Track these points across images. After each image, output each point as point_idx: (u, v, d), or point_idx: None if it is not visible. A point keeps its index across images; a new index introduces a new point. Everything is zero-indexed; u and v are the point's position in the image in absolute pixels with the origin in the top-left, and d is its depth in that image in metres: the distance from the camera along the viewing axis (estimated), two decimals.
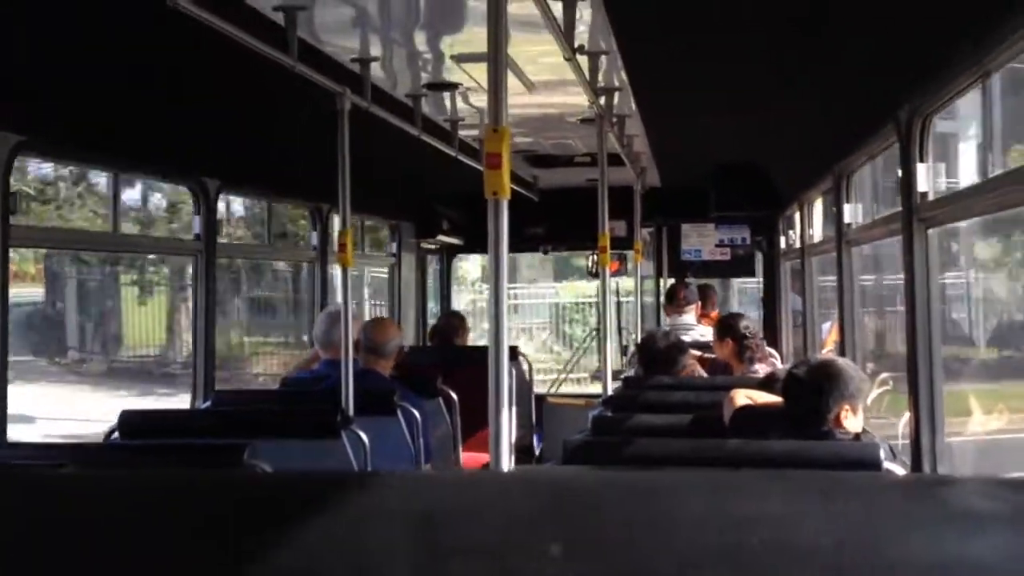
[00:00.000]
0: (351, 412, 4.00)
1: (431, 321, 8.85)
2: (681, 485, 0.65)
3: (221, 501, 0.73)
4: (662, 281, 8.67)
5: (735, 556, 0.57)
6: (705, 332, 7.05)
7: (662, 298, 8.19)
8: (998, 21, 2.61)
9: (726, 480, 0.66)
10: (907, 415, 3.93)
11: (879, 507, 0.61)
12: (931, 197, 3.45)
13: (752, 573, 0.57)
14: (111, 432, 3.68)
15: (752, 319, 6.16)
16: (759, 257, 8.57)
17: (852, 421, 3.41)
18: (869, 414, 3.96)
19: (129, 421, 3.68)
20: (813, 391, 3.40)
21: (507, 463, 2.63)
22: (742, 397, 3.92)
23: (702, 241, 8.55)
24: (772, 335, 7.70)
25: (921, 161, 3.44)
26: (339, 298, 4.59)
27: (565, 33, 3.30)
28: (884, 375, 7.53)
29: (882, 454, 3.20)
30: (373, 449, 3.88)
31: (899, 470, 3.26)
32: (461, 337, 7.23)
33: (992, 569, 0.56)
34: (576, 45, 3.51)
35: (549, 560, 0.59)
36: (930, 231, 3.49)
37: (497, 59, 2.50)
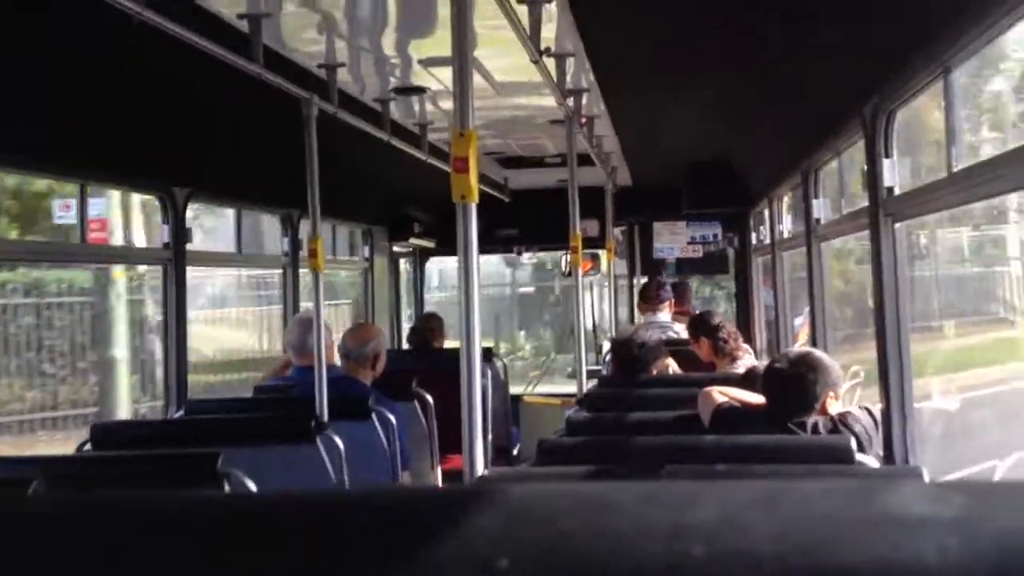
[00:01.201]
0: (325, 417, 3.99)
1: (406, 325, 8.84)
2: (629, 496, 0.65)
3: (195, 523, 0.73)
4: (635, 280, 8.70)
5: (680, 566, 0.58)
6: (680, 330, 7.07)
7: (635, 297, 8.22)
8: (958, 17, 2.64)
9: (676, 489, 0.66)
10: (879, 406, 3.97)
11: (819, 513, 0.63)
12: (897, 191, 3.49)
13: None
14: (83, 444, 3.66)
15: (721, 314, 6.19)
16: (731, 253, 8.62)
17: (835, 406, 3.53)
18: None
19: (102, 432, 3.66)
20: (798, 382, 3.48)
21: (480, 467, 2.65)
22: (717, 394, 3.94)
23: (674, 239, 8.58)
24: (745, 330, 7.74)
25: (886, 156, 3.47)
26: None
27: (531, 35, 3.31)
28: (855, 368, 7.58)
29: (853, 445, 3.25)
30: (348, 454, 3.87)
31: (872, 462, 3.30)
32: (438, 339, 7.21)
33: (930, 570, 0.57)
34: (542, 47, 3.52)
35: (498, 573, 0.60)
36: (897, 225, 3.53)
37: (462, 63, 2.51)
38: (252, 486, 2.92)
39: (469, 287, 2.49)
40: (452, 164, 2.43)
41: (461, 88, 2.49)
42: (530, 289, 17.76)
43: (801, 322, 7.04)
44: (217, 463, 2.88)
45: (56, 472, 2.62)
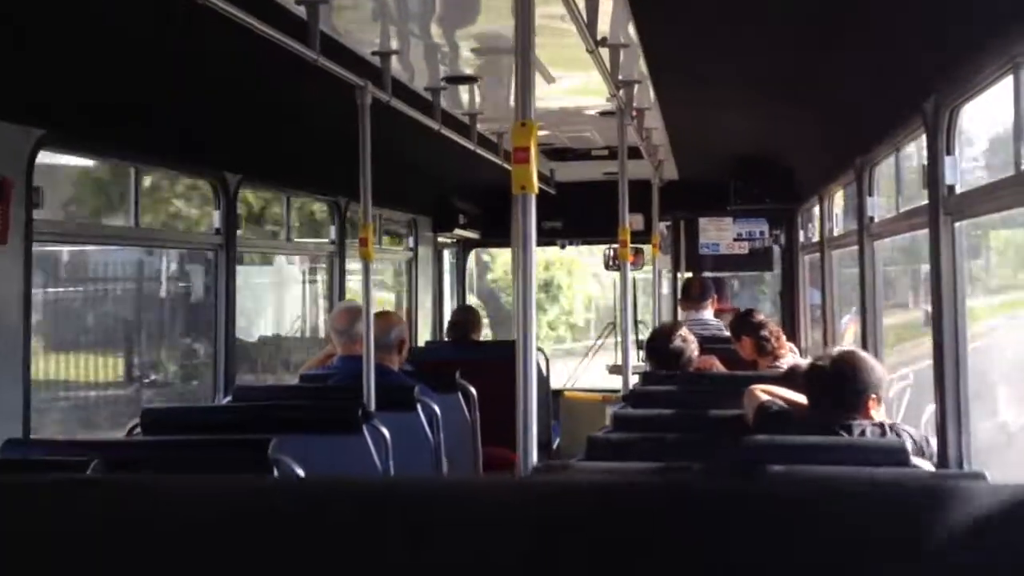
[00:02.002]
0: (372, 407, 3.99)
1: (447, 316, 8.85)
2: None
3: (248, 507, 0.72)
4: (679, 275, 8.64)
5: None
6: (723, 327, 7.01)
7: (679, 292, 8.15)
8: None
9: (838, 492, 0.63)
10: (929, 408, 3.91)
11: (984, 520, 0.59)
12: (959, 190, 3.42)
13: None
14: (133, 427, 3.68)
15: (764, 312, 6.13)
16: (776, 251, 8.53)
17: (877, 410, 3.45)
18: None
19: (152, 417, 3.67)
20: (840, 381, 3.42)
21: (535, 459, 2.63)
22: (761, 393, 3.89)
23: (720, 235, 8.51)
24: (790, 329, 7.66)
25: (948, 153, 3.40)
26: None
27: (588, 25, 3.28)
28: (904, 370, 7.48)
29: (909, 446, 3.19)
30: (394, 444, 3.87)
31: (926, 465, 3.24)
32: (475, 331, 7.20)
33: None
34: (598, 38, 3.49)
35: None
36: (957, 224, 3.46)
37: (524, 52, 2.48)
38: (302, 474, 2.92)
39: (527, 280, 2.47)
40: (513, 155, 2.41)
41: (523, 78, 2.47)
42: None
43: (846, 322, 6.96)
44: (268, 450, 2.88)
45: (112, 455, 2.63)
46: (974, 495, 0.63)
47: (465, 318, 7.34)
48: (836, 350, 3.79)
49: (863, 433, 3.36)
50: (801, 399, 3.74)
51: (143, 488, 0.78)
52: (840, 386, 3.42)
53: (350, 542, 0.66)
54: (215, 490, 0.76)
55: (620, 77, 4.42)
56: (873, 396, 3.42)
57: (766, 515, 0.63)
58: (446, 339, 7.68)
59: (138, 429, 3.63)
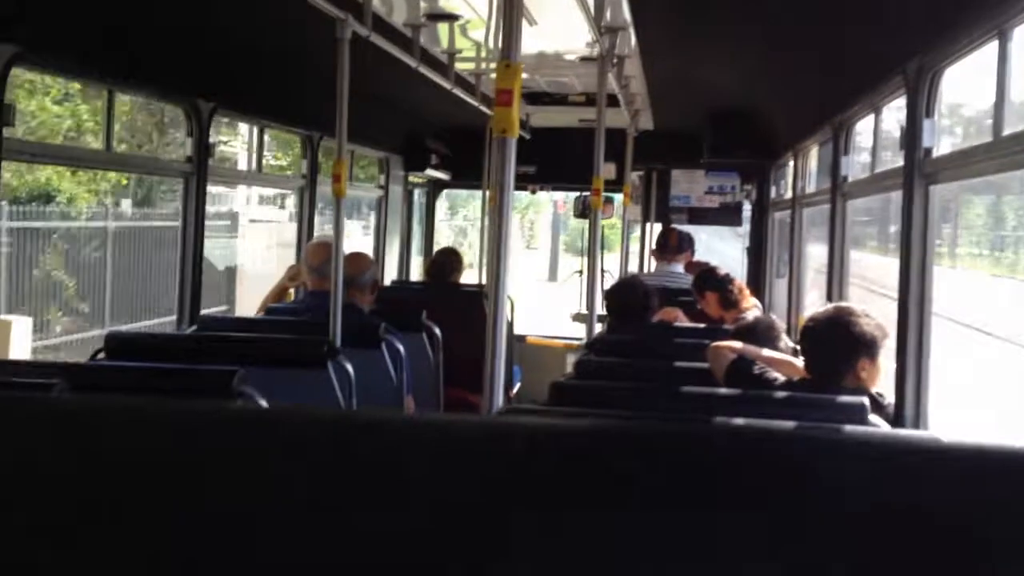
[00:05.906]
0: (338, 343, 3.98)
1: (416, 256, 8.82)
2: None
3: (212, 433, 0.72)
4: (649, 226, 8.65)
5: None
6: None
7: (651, 244, 8.16)
8: None
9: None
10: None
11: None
12: (935, 153, 3.43)
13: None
14: (97, 352, 3.65)
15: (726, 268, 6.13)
16: (746, 206, 8.54)
17: (870, 373, 3.33)
18: None
19: (116, 341, 3.65)
20: (828, 344, 3.33)
21: (499, 403, 2.64)
22: (728, 351, 3.81)
23: (691, 187, 8.52)
24: (755, 285, 7.69)
25: (928, 116, 3.41)
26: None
27: None
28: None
29: (867, 403, 3.21)
30: (358, 381, 3.87)
31: (883, 424, 3.27)
32: (453, 274, 7.16)
33: None
34: None
35: None
36: (932, 187, 3.47)
37: None
38: (265, 406, 2.91)
39: (503, 223, 2.46)
40: (496, 97, 2.38)
41: (509, 17, 2.44)
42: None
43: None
44: (233, 380, 2.87)
45: (77, 379, 2.61)
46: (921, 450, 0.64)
47: (447, 260, 7.28)
48: (830, 307, 3.63)
49: None
50: (770, 354, 3.74)
51: (107, 410, 0.78)
52: (829, 344, 3.33)
53: (310, 472, 0.67)
54: (180, 415, 0.76)
55: (604, 23, 4.38)
56: (865, 359, 3.30)
57: (719, 461, 0.65)
58: (426, 279, 7.63)
59: (102, 354, 3.60)
